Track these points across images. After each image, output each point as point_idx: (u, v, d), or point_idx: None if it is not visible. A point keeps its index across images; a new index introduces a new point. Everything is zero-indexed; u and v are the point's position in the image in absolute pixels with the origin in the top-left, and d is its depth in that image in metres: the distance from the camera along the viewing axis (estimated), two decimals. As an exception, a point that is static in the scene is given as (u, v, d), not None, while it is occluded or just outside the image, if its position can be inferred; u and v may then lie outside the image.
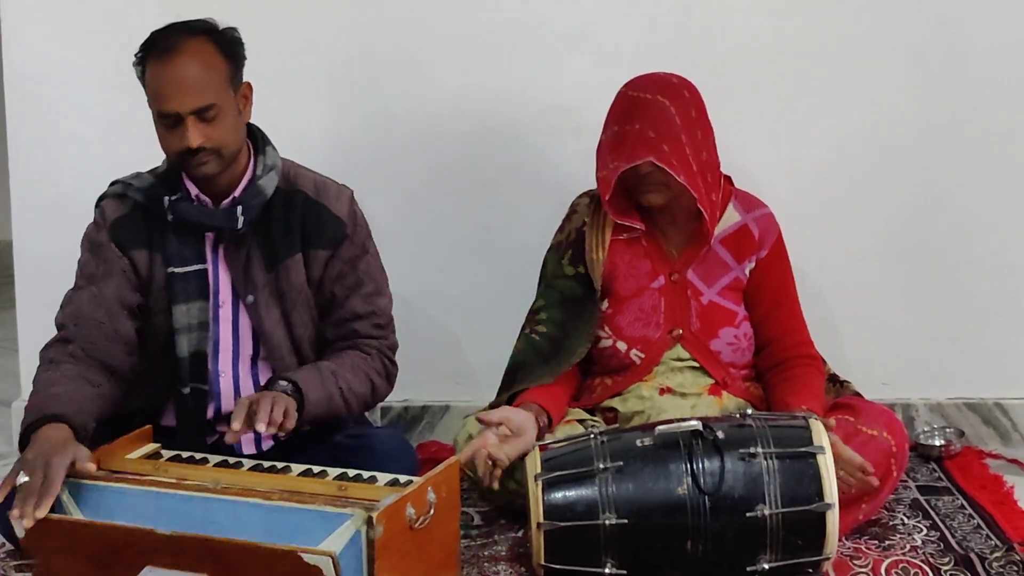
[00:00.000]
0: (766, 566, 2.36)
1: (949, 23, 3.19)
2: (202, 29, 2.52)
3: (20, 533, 2.20)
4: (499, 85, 3.25)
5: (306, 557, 2.01)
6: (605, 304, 2.82)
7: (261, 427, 2.33)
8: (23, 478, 2.22)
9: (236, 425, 2.34)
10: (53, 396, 2.42)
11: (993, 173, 3.24)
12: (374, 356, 2.68)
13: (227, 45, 2.54)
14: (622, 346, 2.80)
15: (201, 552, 2.09)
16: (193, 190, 2.61)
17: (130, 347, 2.60)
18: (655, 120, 2.66)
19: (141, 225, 2.62)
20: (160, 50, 2.48)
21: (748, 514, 2.34)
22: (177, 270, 2.60)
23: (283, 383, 2.50)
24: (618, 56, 3.16)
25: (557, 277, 2.87)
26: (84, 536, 2.19)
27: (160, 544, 2.11)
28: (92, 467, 2.29)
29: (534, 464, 2.43)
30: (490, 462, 2.53)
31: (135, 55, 2.53)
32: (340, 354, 2.65)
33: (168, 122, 2.48)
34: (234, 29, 2.57)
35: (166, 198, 2.59)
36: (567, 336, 2.82)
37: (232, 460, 2.43)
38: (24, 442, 2.35)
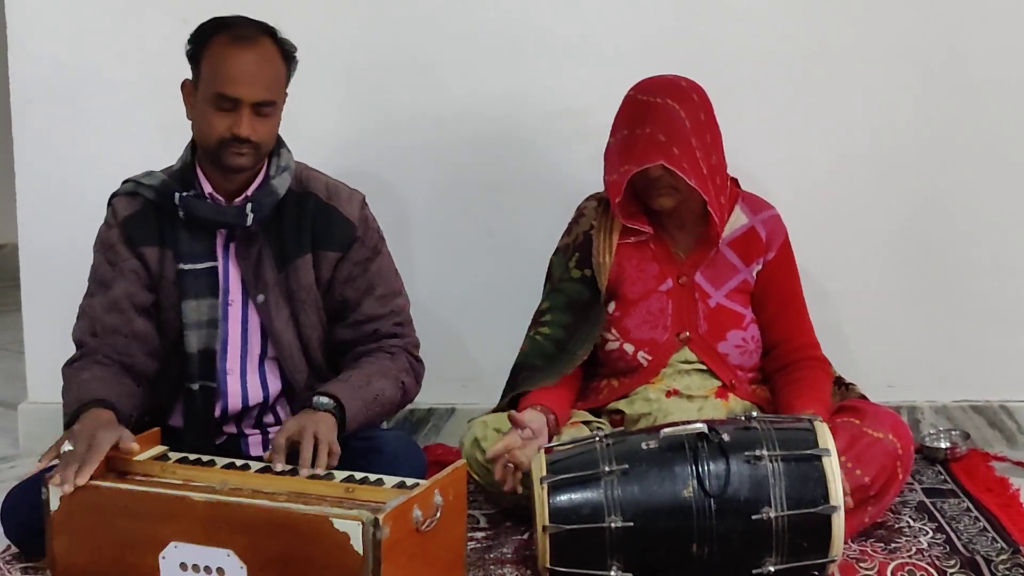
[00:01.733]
0: (772, 569, 2.36)
1: (950, 25, 3.19)
2: (269, 31, 2.57)
3: (55, 504, 2.23)
4: (504, 89, 3.25)
5: (336, 523, 2.04)
6: (612, 307, 2.83)
7: (305, 472, 2.33)
8: (68, 446, 2.27)
9: (278, 467, 2.35)
10: (94, 388, 2.46)
11: (997, 174, 3.24)
12: (399, 356, 2.68)
13: (286, 53, 2.59)
14: (629, 348, 2.80)
15: (230, 521, 2.12)
16: (207, 187, 2.62)
17: (150, 347, 2.62)
18: (665, 124, 2.66)
19: (152, 222, 2.63)
20: (236, 36, 2.51)
21: (754, 517, 2.34)
22: (187, 267, 2.61)
23: (324, 399, 2.49)
24: (621, 59, 3.16)
25: (564, 280, 2.87)
26: (115, 503, 2.21)
27: (192, 512, 2.14)
28: (136, 447, 2.33)
29: (539, 467, 2.43)
30: (511, 465, 2.55)
31: (192, 33, 2.55)
32: (367, 359, 2.65)
33: (225, 105, 2.50)
34: (290, 41, 2.60)
35: (178, 194, 2.60)
36: (572, 339, 2.82)
37: (239, 462, 2.42)
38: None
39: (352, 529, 2.05)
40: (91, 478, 2.24)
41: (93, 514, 2.23)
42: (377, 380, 2.60)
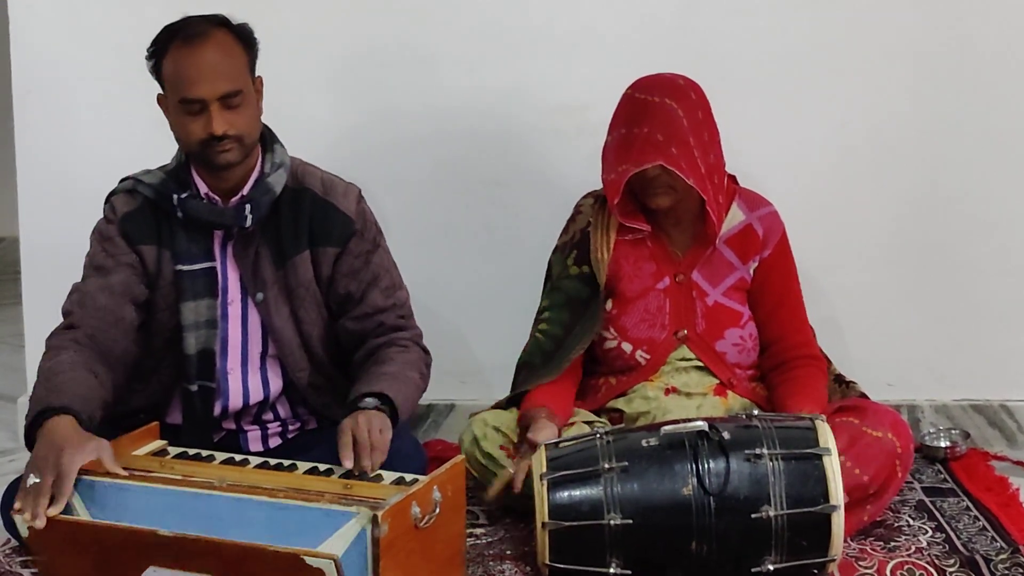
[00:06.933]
0: (771, 567, 2.36)
1: (950, 18, 3.18)
2: (220, 21, 2.56)
3: (24, 532, 2.19)
4: (503, 84, 3.24)
5: (309, 560, 2.00)
6: (610, 305, 2.82)
7: (367, 466, 2.33)
8: (34, 479, 2.20)
9: (349, 464, 2.34)
10: (55, 387, 2.40)
11: (999, 172, 3.23)
12: (412, 348, 2.67)
13: (244, 36, 2.58)
14: (627, 347, 2.80)
15: (204, 552, 2.09)
16: (203, 187, 2.61)
17: (132, 336, 2.60)
18: (663, 123, 2.66)
19: (151, 221, 2.63)
20: (185, 38, 2.50)
21: (753, 515, 2.34)
22: (185, 267, 2.61)
23: (370, 400, 2.46)
24: (622, 56, 3.16)
25: (563, 278, 2.87)
26: (88, 536, 2.18)
27: (163, 544, 2.10)
28: (121, 471, 2.26)
29: (539, 464, 2.43)
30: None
31: (148, 48, 2.55)
32: (382, 353, 2.63)
33: (193, 109, 2.50)
34: (247, 24, 2.60)
35: (175, 195, 2.59)
36: (571, 336, 2.82)
37: (238, 458, 2.43)
38: (30, 435, 2.33)
39: (326, 567, 2.00)
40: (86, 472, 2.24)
41: (65, 543, 2.19)
42: (406, 373, 2.59)
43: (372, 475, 2.33)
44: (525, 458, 2.57)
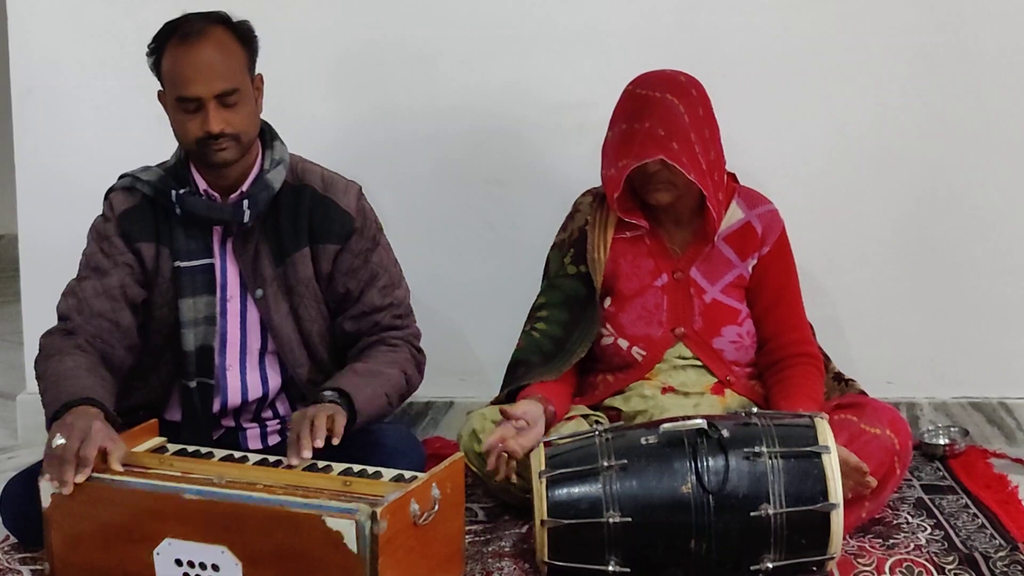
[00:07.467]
0: (770, 565, 2.36)
1: (952, 16, 3.18)
2: (219, 18, 2.56)
3: (46, 500, 2.21)
4: (504, 81, 3.24)
5: (329, 521, 2.04)
6: (608, 302, 2.82)
7: (318, 442, 2.32)
8: (60, 439, 2.23)
9: (295, 461, 2.34)
10: (84, 386, 2.42)
11: (999, 171, 3.23)
12: (401, 347, 2.68)
13: (243, 34, 2.57)
14: (624, 344, 2.80)
15: (224, 518, 2.11)
16: (201, 184, 2.61)
17: (130, 341, 2.61)
18: (664, 118, 2.66)
19: (149, 218, 2.63)
20: (182, 36, 2.50)
21: (752, 513, 2.34)
22: (184, 264, 2.61)
23: (327, 393, 2.49)
24: (623, 53, 3.16)
25: (560, 276, 2.87)
26: (111, 500, 2.20)
27: (185, 509, 2.14)
28: (118, 468, 2.28)
29: (539, 461, 2.43)
30: (504, 455, 2.54)
31: (149, 45, 2.55)
32: (369, 351, 2.65)
33: (189, 107, 2.50)
34: (247, 22, 2.59)
35: (174, 191, 2.59)
36: (570, 336, 2.82)
37: (237, 454, 2.43)
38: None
39: (345, 528, 2.04)
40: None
41: (87, 510, 2.22)
42: (382, 370, 2.61)
43: (318, 444, 2.32)
44: (500, 427, 2.57)
